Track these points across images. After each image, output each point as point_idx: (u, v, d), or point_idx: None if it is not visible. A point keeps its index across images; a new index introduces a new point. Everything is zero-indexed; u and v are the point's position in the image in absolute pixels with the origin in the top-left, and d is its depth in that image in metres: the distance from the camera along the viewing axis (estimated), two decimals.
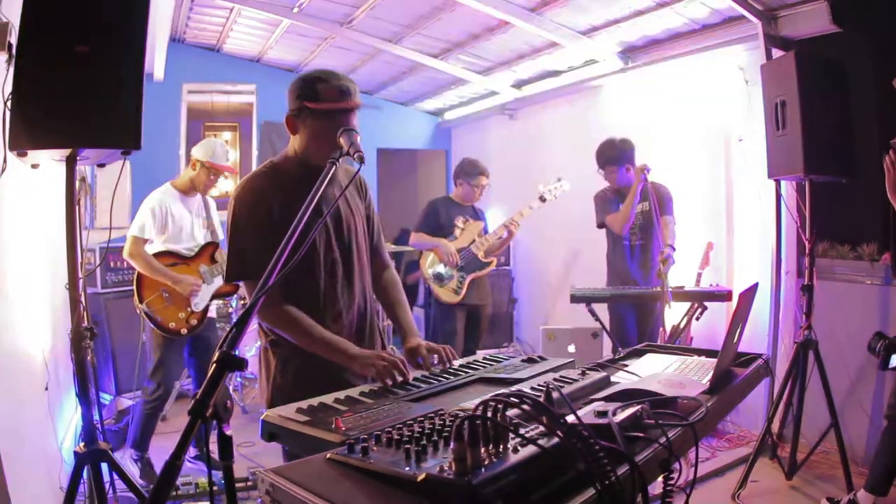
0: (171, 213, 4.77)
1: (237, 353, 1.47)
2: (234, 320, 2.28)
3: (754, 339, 5.22)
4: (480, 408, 1.35)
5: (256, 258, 2.32)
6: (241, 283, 2.74)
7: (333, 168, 2.10)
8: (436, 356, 2.55)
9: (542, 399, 1.45)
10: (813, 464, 4.64)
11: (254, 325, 1.98)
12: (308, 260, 2.58)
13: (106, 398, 6.00)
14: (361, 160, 2.21)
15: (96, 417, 3.00)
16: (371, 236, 2.92)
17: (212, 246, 4.99)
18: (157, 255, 4.72)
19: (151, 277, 4.66)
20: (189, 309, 4.77)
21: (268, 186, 2.59)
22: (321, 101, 2.49)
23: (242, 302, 6.67)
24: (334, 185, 2.71)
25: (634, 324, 5.48)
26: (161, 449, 5.04)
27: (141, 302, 4.65)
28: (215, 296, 5.00)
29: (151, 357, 4.84)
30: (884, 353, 2.87)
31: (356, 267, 2.75)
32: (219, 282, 4.96)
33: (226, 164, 4.94)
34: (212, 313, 5.06)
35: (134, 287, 4.72)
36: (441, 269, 5.86)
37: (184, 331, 4.75)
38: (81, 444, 2.88)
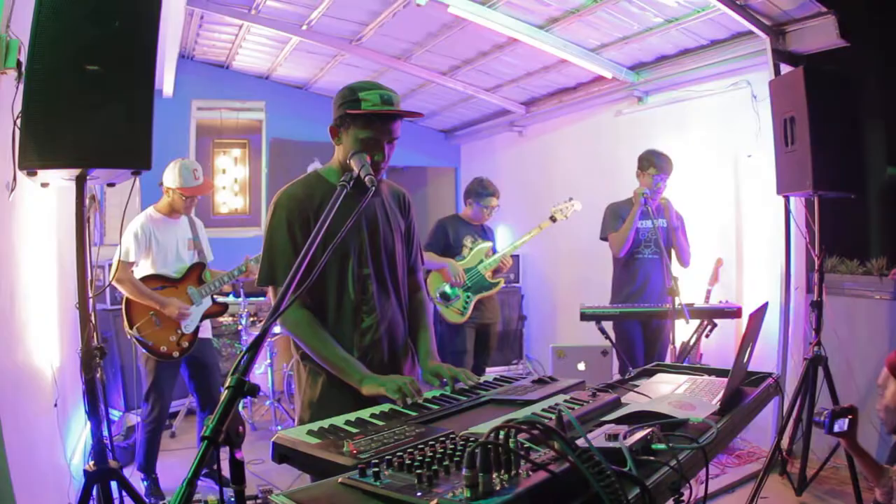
0: (154, 236, 4.71)
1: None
2: (246, 342, 2.27)
3: (763, 354, 5.19)
4: (492, 434, 1.35)
5: (288, 266, 2.32)
6: (269, 289, 2.72)
7: (343, 192, 2.10)
8: (445, 379, 2.54)
9: (553, 423, 1.45)
10: (822, 479, 4.64)
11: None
12: (339, 273, 2.60)
13: (115, 414, 6.00)
14: (372, 183, 2.23)
15: (105, 435, 3.00)
16: (408, 255, 2.91)
17: (199, 267, 4.94)
18: (145, 278, 4.67)
19: (139, 302, 4.60)
20: (179, 331, 4.72)
21: (307, 195, 2.60)
22: (362, 108, 2.52)
23: (252, 319, 6.68)
24: (377, 199, 2.74)
25: (642, 341, 5.43)
26: (170, 466, 5.05)
27: (131, 327, 4.60)
28: (205, 316, 4.94)
29: (145, 380, 4.79)
30: (828, 420, 2.88)
31: (390, 283, 2.74)
32: (208, 302, 4.93)
33: (196, 185, 4.83)
34: (206, 334, 5.01)
35: (123, 312, 4.65)
36: (447, 288, 5.80)
37: (176, 353, 4.70)
38: (91, 463, 2.87)
